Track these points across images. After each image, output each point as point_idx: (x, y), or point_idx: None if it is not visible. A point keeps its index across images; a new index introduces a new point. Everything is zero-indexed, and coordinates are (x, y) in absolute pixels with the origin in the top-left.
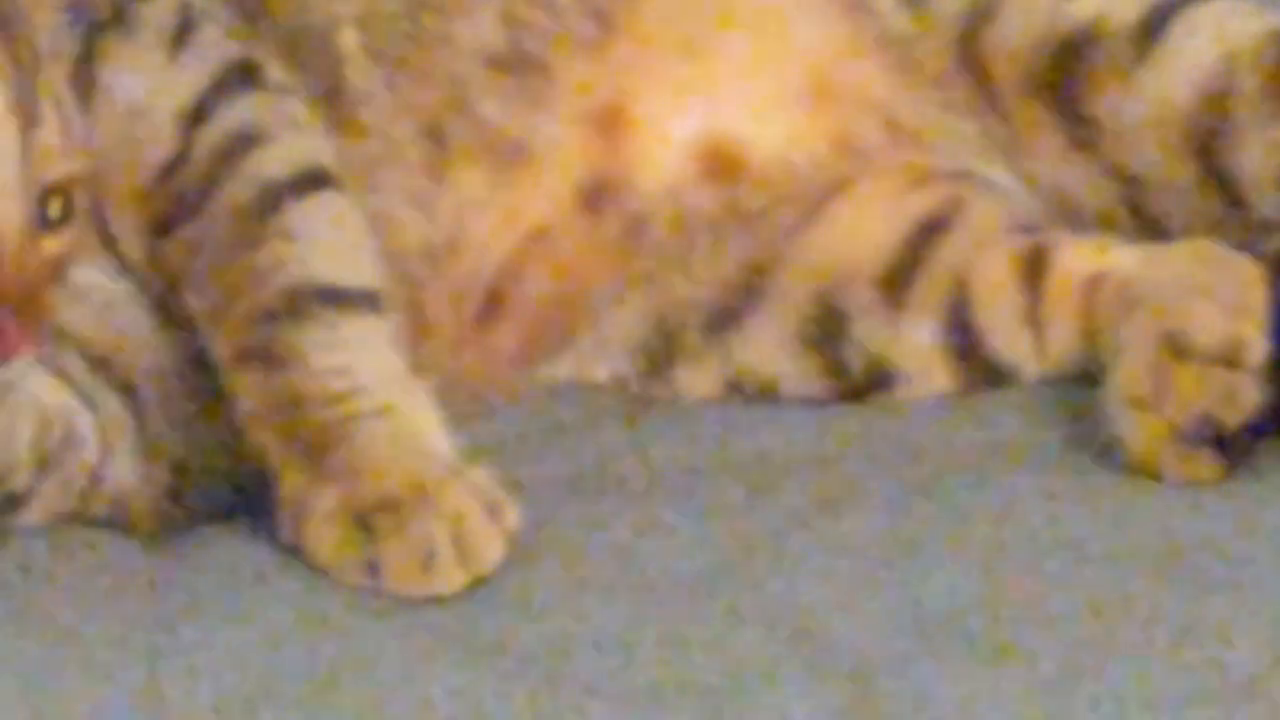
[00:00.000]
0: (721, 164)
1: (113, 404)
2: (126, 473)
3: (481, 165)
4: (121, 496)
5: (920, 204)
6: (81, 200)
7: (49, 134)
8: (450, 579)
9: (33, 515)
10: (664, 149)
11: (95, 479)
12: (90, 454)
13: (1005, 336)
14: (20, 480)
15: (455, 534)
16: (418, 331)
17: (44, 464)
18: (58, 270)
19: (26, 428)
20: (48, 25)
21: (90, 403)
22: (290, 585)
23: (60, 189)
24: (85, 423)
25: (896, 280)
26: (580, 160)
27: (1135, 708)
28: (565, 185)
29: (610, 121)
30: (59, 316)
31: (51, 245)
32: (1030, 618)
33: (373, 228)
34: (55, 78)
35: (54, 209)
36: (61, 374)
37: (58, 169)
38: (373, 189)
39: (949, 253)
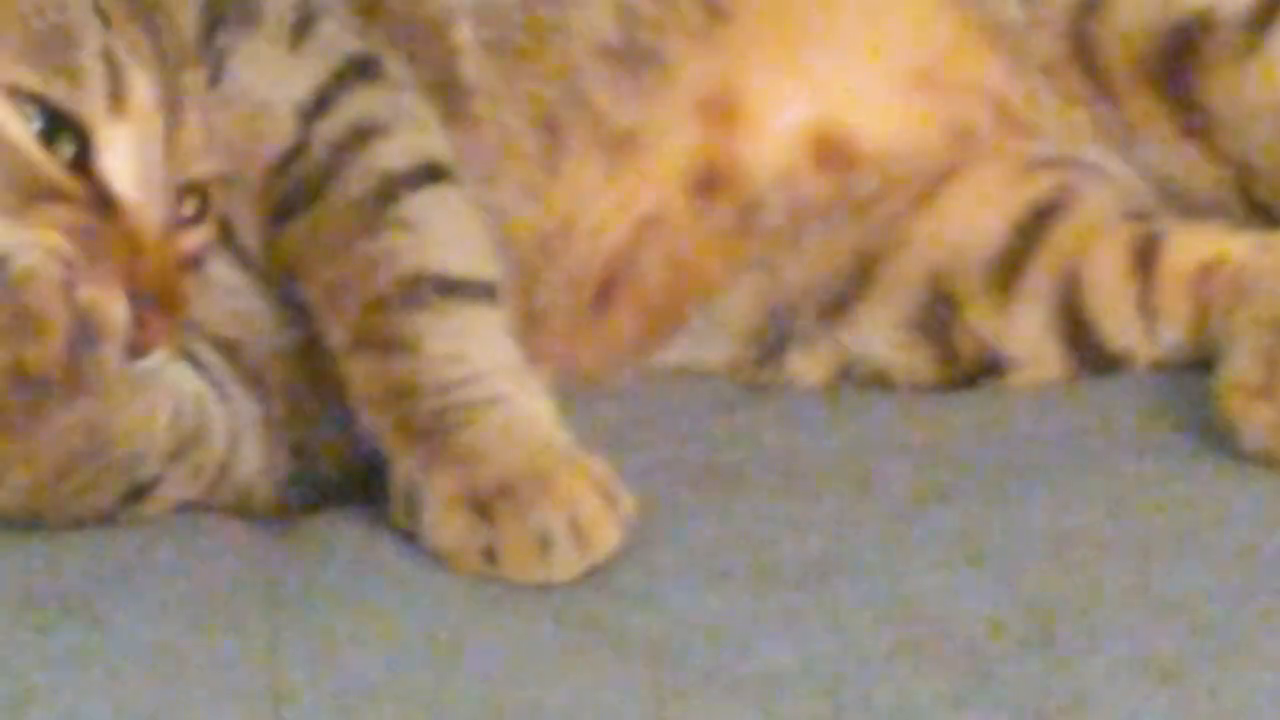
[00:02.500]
0: (832, 151)
1: (243, 395)
2: (252, 463)
3: (595, 155)
4: (246, 486)
5: (1031, 191)
6: (218, 197)
7: (191, 132)
8: (567, 566)
9: (158, 505)
10: (775, 136)
11: (223, 470)
12: (219, 446)
13: (1116, 324)
14: (149, 470)
15: (572, 521)
16: (532, 320)
17: (174, 454)
18: (193, 265)
19: (163, 416)
20: (190, 24)
21: (224, 394)
22: (409, 572)
23: (197, 187)
24: (218, 414)
25: (1007, 267)
26: (692, 148)
27: (1256, 696)
28: (677, 173)
29: (722, 110)
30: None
31: (187, 241)
32: (1146, 605)
33: (487, 218)
34: (199, 77)
35: (190, 206)
36: (197, 363)
37: (198, 167)
38: (487, 180)
39: (1060, 240)
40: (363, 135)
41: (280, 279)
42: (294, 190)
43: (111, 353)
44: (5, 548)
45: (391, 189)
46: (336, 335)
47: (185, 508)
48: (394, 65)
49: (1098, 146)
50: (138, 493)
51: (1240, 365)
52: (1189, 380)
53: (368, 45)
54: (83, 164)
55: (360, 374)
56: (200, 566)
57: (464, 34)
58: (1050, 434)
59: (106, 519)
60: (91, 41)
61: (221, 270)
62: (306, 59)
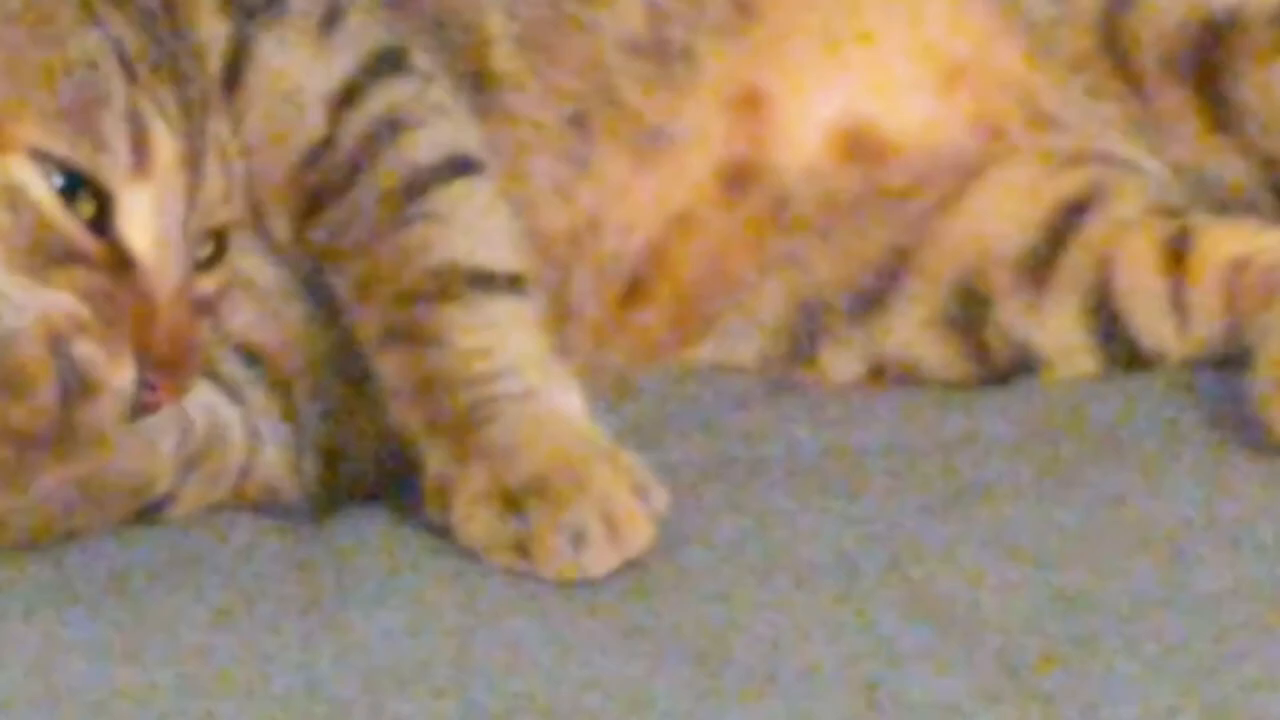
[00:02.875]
0: (862, 148)
1: (261, 396)
2: (275, 463)
3: (624, 151)
4: (271, 485)
5: (1062, 187)
6: (235, 232)
7: (213, 184)
8: (601, 561)
9: (181, 510)
10: (804, 133)
11: (244, 472)
12: (237, 450)
13: (1148, 319)
14: (160, 489)
15: (604, 516)
16: (563, 316)
17: (185, 470)
18: (209, 308)
19: (168, 438)
20: (215, 31)
21: (238, 395)
22: (441, 566)
23: (216, 231)
24: (232, 417)
25: (1038, 263)
26: (722, 145)
27: None
28: (707, 170)
29: (751, 106)
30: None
31: (203, 286)
32: (1180, 602)
33: (516, 212)
34: (222, 123)
35: (207, 250)
36: (207, 370)
37: (217, 217)
38: (516, 174)
39: (1091, 235)
40: (391, 127)
41: (309, 274)
42: (323, 184)
43: (106, 408)
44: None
45: (420, 181)
46: (367, 329)
47: (218, 505)
48: (422, 57)
49: (1128, 142)
50: (153, 509)
51: (1273, 360)
52: (1221, 376)
53: (396, 37)
54: (102, 224)
55: (391, 368)
56: (234, 562)
57: (494, 27)
58: (1082, 430)
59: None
60: (116, 101)
61: (252, 268)
62: (334, 51)
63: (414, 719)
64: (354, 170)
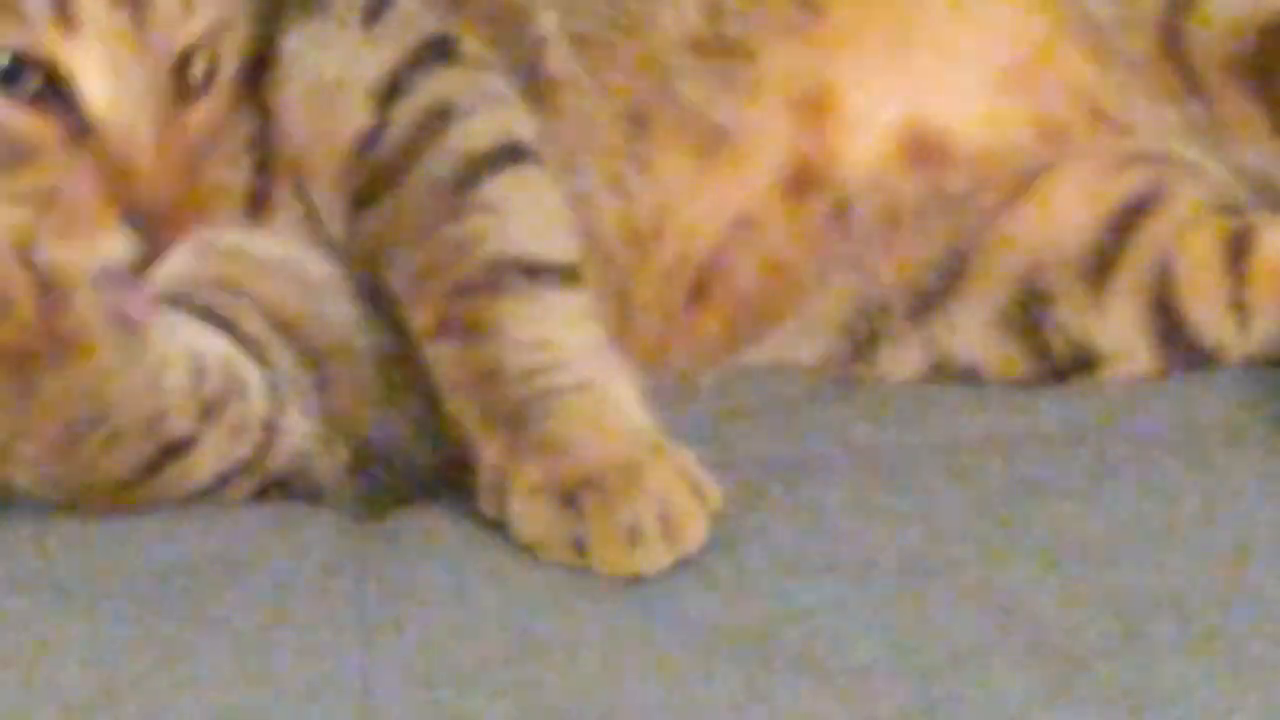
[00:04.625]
0: (925, 150)
1: (287, 361)
2: (302, 431)
3: (684, 150)
4: (300, 456)
5: (1123, 187)
6: (229, 58)
7: (163, 6)
8: (656, 558)
9: (205, 461)
10: (868, 136)
11: (269, 428)
12: (259, 404)
13: (1208, 319)
14: (179, 426)
15: (661, 513)
16: (627, 319)
17: (205, 412)
18: (209, 140)
19: (176, 376)
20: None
21: (259, 355)
22: (498, 563)
23: (198, 47)
24: (251, 372)
25: (1099, 263)
26: (784, 146)
27: None
28: (769, 171)
29: (813, 107)
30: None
31: (198, 113)
32: (1238, 601)
33: (574, 210)
34: None
35: (197, 70)
36: (226, 325)
37: (186, 32)
38: (573, 171)
39: (1152, 235)
40: (441, 117)
41: (363, 267)
42: (373, 176)
43: (84, 310)
44: (97, 538)
45: (472, 171)
46: (420, 321)
47: (274, 500)
48: (474, 44)
49: (1189, 143)
50: (173, 451)
51: None
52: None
53: (447, 24)
54: (56, 93)
55: (444, 360)
56: (292, 559)
57: (549, 23)
58: (1142, 429)
59: (154, 489)
60: None
61: (304, 262)
62: (380, 41)
63: (472, 718)
64: (404, 162)
